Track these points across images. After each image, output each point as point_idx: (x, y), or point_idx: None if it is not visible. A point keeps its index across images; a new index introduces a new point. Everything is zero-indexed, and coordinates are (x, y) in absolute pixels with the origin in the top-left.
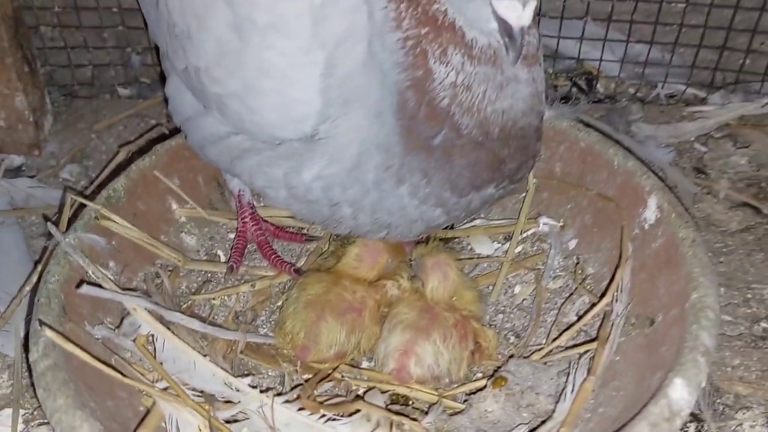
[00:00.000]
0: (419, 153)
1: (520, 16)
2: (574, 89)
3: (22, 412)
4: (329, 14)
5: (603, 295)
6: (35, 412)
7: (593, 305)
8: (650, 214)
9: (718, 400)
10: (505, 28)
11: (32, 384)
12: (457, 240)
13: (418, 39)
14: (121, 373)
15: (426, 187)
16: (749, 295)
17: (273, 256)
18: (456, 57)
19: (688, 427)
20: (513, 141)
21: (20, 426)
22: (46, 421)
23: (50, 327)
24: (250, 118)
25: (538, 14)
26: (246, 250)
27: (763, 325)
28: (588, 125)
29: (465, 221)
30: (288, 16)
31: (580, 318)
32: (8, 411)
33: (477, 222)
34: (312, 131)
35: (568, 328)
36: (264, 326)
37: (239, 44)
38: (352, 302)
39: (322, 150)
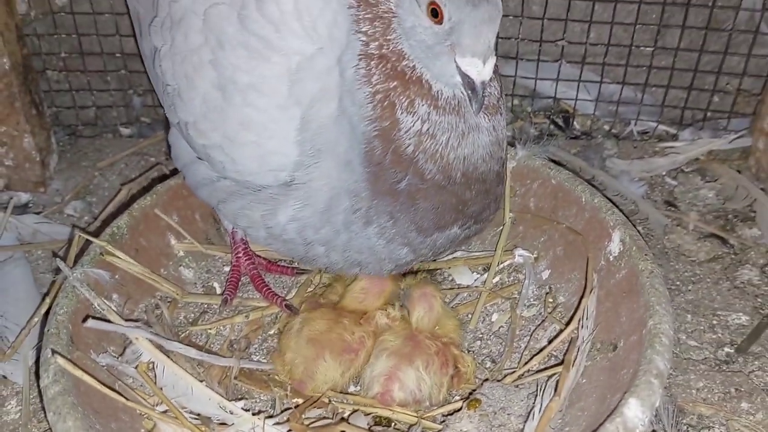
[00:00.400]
0: (386, 197)
1: (481, 72)
2: (552, 126)
3: None
4: (304, 77)
5: (569, 322)
6: None
7: (561, 332)
8: (614, 246)
9: (683, 421)
10: (468, 82)
11: (42, 409)
12: (439, 271)
13: (387, 92)
14: (125, 397)
15: (392, 228)
16: (715, 322)
17: (265, 288)
18: (422, 107)
19: None
20: (475, 185)
21: None
22: None
23: (61, 355)
24: (232, 168)
25: (516, 57)
26: (240, 283)
27: (727, 350)
28: (558, 164)
29: (445, 255)
30: (267, 78)
31: (549, 344)
32: None
33: (458, 254)
34: (289, 178)
35: (537, 354)
36: (257, 353)
37: (223, 102)
38: (351, 343)
39: (296, 195)
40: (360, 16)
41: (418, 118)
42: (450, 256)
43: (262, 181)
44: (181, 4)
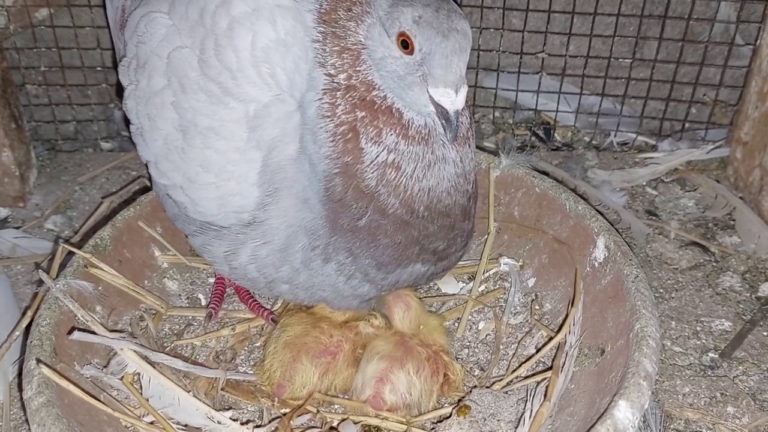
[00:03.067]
0: (345, 234)
1: (454, 102)
2: (534, 138)
3: None
4: (262, 123)
5: (559, 330)
6: None
7: (550, 339)
8: (599, 253)
9: (671, 426)
10: (441, 112)
11: (25, 422)
12: None
13: (352, 123)
14: (111, 408)
15: (352, 264)
16: (698, 328)
17: (251, 300)
18: (390, 137)
19: None
20: (438, 218)
21: None
22: None
23: (46, 364)
24: (193, 209)
25: (497, 69)
26: (225, 295)
27: (711, 355)
28: (542, 172)
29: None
30: (226, 122)
31: (537, 351)
32: None
33: None
34: (251, 218)
35: (526, 361)
36: (243, 365)
37: (184, 143)
38: (328, 346)
39: (254, 234)
40: (326, 50)
41: (384, 148)
42: None
43: (225, 222)
44: (147, 46)
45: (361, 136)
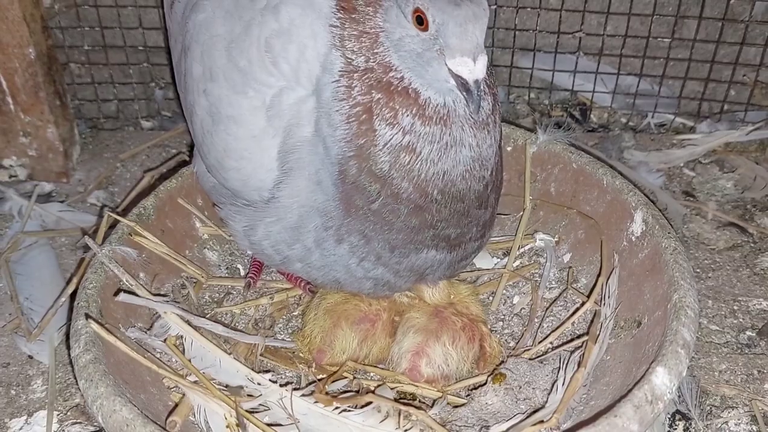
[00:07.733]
0: (358, 216)
1: (473, 71)
2: (570, 119)
3: (56, 414)
4: (277, 112)
5: (590, 293)
6: (68, 413)
7: (583, 304)
8: (636, 227)
9: (707, 401)
10: (461, 83)
11: (73, 380)
12: None
13: (368, 104)
14: (156, 365)
15: (364, 246)
16: (735, 307)
17: (288, 272)
18: (406, 118)
19: (677, 425)
20: (450, 203)
21: (54, 425)
22: (78, 421)
23: (95, 320)
24: (226, 185)
25: (533, 49)
26: (264, 266)
27: (748, 333)
28: (579, 148)
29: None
30: (244, 110)
31: (571, 315)
32: (43, 413)
33: None
34: (269, 196)
35: (560, 325)
36: (282, 332)
37: (212, 128)
38: (368, 313)
39: (269, 211)
40: (345, 35)
41: (400, 130)
42: None
43: (249, 197)
44: (189, 33)
45: (375, 117)
